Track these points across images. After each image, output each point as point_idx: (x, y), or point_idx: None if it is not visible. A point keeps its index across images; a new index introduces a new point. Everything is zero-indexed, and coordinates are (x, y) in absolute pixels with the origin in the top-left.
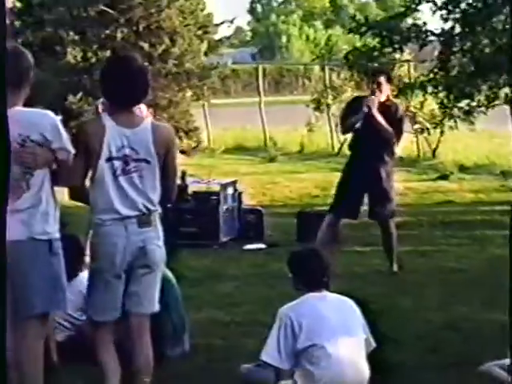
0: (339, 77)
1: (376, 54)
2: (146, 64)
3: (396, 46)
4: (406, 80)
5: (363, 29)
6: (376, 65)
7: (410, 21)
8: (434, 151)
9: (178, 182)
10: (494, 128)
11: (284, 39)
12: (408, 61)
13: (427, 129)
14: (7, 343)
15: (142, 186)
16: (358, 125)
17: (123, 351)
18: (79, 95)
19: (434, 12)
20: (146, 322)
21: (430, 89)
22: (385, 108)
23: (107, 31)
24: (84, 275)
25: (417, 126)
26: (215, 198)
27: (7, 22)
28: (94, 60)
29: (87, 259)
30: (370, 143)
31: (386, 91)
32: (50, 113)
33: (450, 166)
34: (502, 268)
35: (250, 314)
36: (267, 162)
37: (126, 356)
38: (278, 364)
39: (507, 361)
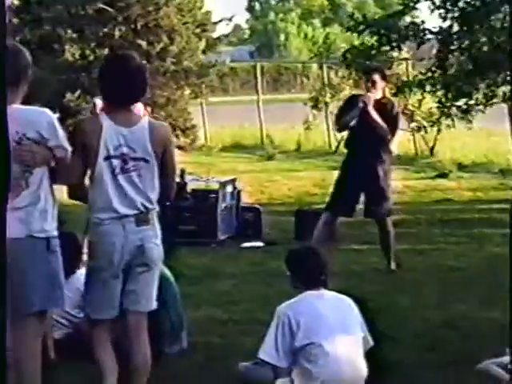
0: (337, 75)
1: (374, 52)
2: (144, 62)
3: (394, 44)
4: (404, 78)
5: (361, 27)
6: (369, 63)
7: (407, 19)
8: (431, 149)
9: (177, 179)
10: (492, 126)
11: (282, 37)
12: (406, 59)
13: (424, 127)
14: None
15: (141, 184)
16: (353, 122)
17: (121, 349)
18: (77, 93)
19: (433, 11)
20: (143, 320)
21: (428, 87)
22: (380, 105)
23: (105, 29)
24: (81, 272)
25: (414, 124)
26: (214, 196)
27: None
28: (92, 58)
29: (85, 257)
30: (365, 140)
31: (380, 89)
32: (47, 110)
33: (448, 164)
34: (501, 266)
35: (248, 312)
36: (265, 160)
37: (123, 354)
38: (275, 362)
39: (505, 359)
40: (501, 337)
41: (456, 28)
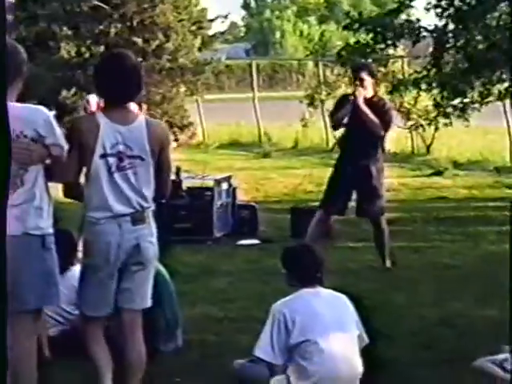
0: (333, 72)
1: (369, 50)
2: (140, 60)
3: (389, 42)
4: (400, 76)
5: (356, 25)
6: (357, 61)
7: (403, 17)
8: (428, 147)
9: (173, 177)
10: (489, 124)
11: (278, 35)
12: (402, 57)
13: (421, 125)
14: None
15: (136, 182)
16: (346, 119)
17: (115, 346)
18: (73, 90)
19: (428, 10)
20: (138, 318)
21: (423, 86)
22: (372, 103)
23: (101, 26)
24: (76, 269)
25: (411, 123)
26: (209, 193)
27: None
28: (87, 55)
29: (80, 255)
30: (358, 138)
31: (370, 86)
32: (43, 108)
33: (443, 162)
34: (496, 264)
35: (244, 310)
36: (261, 158)
37: (118, 352)
38: (271, 359)
39: (500, 356)
40: (496, 334)
41: (451, 26)
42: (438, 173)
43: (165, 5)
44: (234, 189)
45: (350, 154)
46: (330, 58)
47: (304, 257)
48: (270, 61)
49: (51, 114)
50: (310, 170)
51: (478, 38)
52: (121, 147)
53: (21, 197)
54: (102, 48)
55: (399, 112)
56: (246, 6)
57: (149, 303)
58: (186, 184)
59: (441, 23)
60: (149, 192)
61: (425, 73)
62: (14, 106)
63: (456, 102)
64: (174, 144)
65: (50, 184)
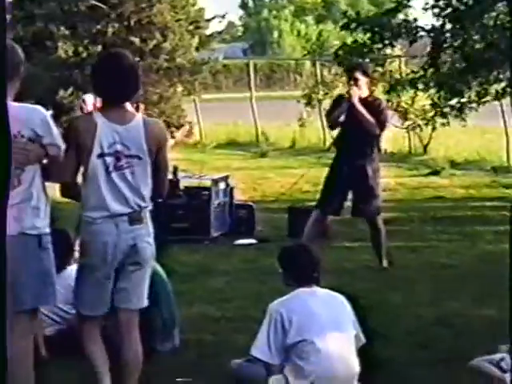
0: (330, 72)
1: (366, 49)
2: (137, 59)
3: (386, 41)
4: (397, 75)
5: (354, 24)
6: (353, 60)
7: (400, 16)
8: (425, 147)
9: (170, 177)
10: (486, 124)
11: (275, 34)
12: (399, 56)
13: (419, 125)
14: None
15: (134, 182)
16: (342, 117)
17: (112, 346)
18: (70, 90)
19: (426, 10)
20: (134, 317)
21: (420, 86)
22: (367, 103)
23: (98, 26)
24: (72, 268)
25: (408, 123)
26: (207, 193)
27: None
28: (85, 55)
29: (76, 254)
30: (354, 137)
31: (364, 86)
32: (41, 108)
33: (441, 161)
34: (493, 264)
35: (241, 310)
36: (259, 158)
37: (115, 351)
38: (267, 359)
39: (497, 356)
40: (493, 334)
41: (449, 26)
42: (435, 172)
43: (162, 4)
44: (232, 188)
45: (346, 153)
46: (327, 58)
47: (301, 256)
48: (267, 60)
49: (48, 113)
50: (306, 169)
51: (476, 37)
52: (118, 147)
53: (18, 196)
54: (99, 48)
55: (396, 112)
56: (243, 6)
57: (145, 303)
58: (183, 183)
59: (438, 23)
60: (147, 191)
61: (422, 73)
62: (11, 106)
63: (453, 101)
64: (171, 141)
65: (47, 184)
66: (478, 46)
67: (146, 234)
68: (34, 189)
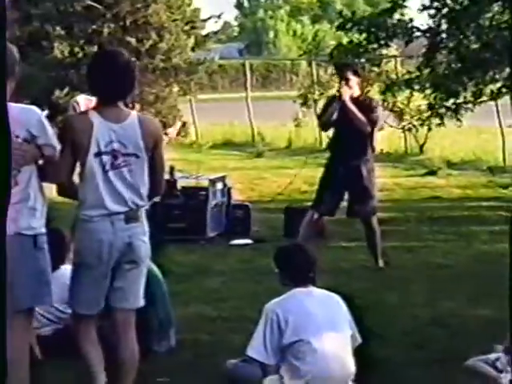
0: (326, 72)
1: (361, 50)
2: (133, 59)
3: (382, 42)
4: (393, 75)
5: (349, 24)
6: (347, 61)
7: (396, 17)
8: (421, 147)
9: (167, 176)
10: (482, 124)
11: (271, 34)
12: (395, 56)
13: (414, 126)
14: None
15: (132, 180)
16: (334, 115)
17: (109, 346)
18: (66, 90)
19: (422, 10)
20: (131, 317)
21: (416, 86)
22: (359, 102)
23: (94, 26)
24: (66, 267)
25: (404, 123)
26: (204, 193)
27: None
28: (80, 55)
29: (71, 254)
30: (347, 136)
31: (355, 85)
32: (35, 108)
33: (437, 161)
34: (489, 264)
35: (237, 310)
36: (254, 158)
37: (111, 351)
38: (263, 359)
39: (493, 356)
40: (489, 334)
41: (444, 26)
42: (432, 172)
43: (158, 5)
44: (229, 189)
45: (341, 154)
46: (323, 58)
47: (297, 256)
48: (263, 60)
49: (44, 113)
50: (299, 169)
51: (471, 38)
52: (115, 145)
53: (14, 197)
54: (95, 48)
55: (392, 112)
56: (239, 6)
57: (141, 303)
58: (180, 184)
59: (434, 23)
60: (144, 189)
61: (417, 73)
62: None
63: (449, 102)
64: (165, 138)
65: (44, 184)
66: (473, 46)
67: (141, 233)
68: (31, 189)
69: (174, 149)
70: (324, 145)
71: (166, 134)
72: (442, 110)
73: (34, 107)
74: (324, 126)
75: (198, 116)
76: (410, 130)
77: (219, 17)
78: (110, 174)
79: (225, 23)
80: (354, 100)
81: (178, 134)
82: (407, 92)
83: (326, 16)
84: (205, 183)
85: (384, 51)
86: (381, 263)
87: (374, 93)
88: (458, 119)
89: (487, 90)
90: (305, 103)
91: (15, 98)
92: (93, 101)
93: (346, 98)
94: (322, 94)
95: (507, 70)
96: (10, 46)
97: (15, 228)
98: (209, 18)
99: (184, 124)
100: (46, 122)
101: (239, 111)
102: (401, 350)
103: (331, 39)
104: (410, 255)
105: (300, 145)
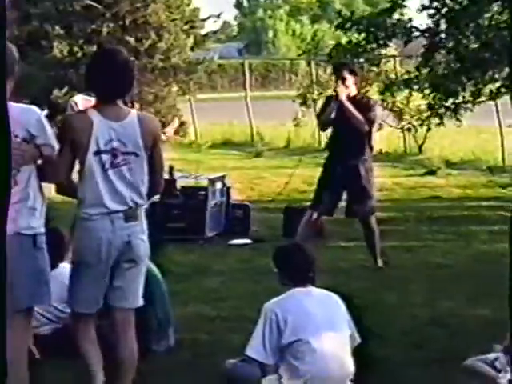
0: (325, 72)
1: (360, 50)
2: (133, 59)
3: (381, 41)
4: (392, 75)
5: (348, 24)
6: (345, 60)
7: (395, 16)
8: (420, 147)
9: (166, 176)
10: (481, 123)
11: (270, 34)
12: (394, 56)
13: (414, 126)
14: None
15: (131, 178)
16: (333, 114)
17: (108, 346)
18: (65, 89)
19: (421, 10)
20: (130, 316)
21: (415, 86)
22: (356, 101)
23: (93, 26)
24: (64, 266)
25: (404, 123)
26: (203, 193)
27: None
28: (80, 54)
29: (70, 253)
30: (345, 136)
31: (352, 85)
32: (35, 108)
33: (436, 161)
34: (488, 264)
35: (236, 309)
36: (253, 157)
37: (110, 350)
38: (262, 359)
39: (491, 355)
40: (488, 334)
41: (444, 26)
42: (431, 172)
43: (157, 4)
44: (228, 188)
45: (339, 153)
46: (322, 58)
47: (296, 256)
48: (262, 60)
49: (43, 113)
50: (301, 169)
51: (470, 38)
52: (115, 144)
53: (14, 197)
54: (94, 47)
55: (391, 112)
56: (238, 6)
57: (141, 302)
58: (179, 183)
59: (433, 23)
60: (144, 188)
61: (416, 73)
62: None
63: (448, 102)
64: (162, 137)
65: (43, 184)
66: (472, 46)
67: (140, 231)
68: (31, 189)
69: (173, 148)
70: (323, 144)
71: (163, 133)
72: (442, 110)
73: (33, 107)
74: (322, 126)
75: (197, 116)
76: (409, 130)
77: (218, 16)
78: (110, 172)
79: (224, 23)
80: (352, 99)
81: (177, 132)
82: (406, 92)
83: (326, 16)
84: (204, 183)
85: (383, 51)
86: (380, 263)
87: (373, 92)
88: (458, 119)
89: (486, 90)
90: (304, 103)
91: (14, 98)
92: (91, 101)
93: (343, 97)
94: (321, 93)
95: (506, 69)
96: (10, 45)
97: (15, 228)
98: (208, 18)
99: (182, 124)
100: (46, 122)
101: (238, 111)
102: (400, 350)
103: (330, 39)
104: (409, 255)
105: (299, 144)
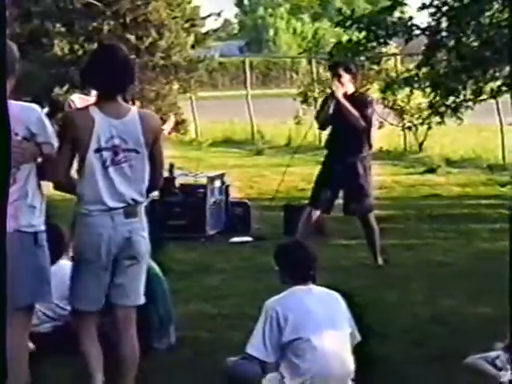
0: (326, 70)
1: (361, 48)
2: (133, 57)
3: (381, 40)
4: (393, 74)
5: (349, 22)
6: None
7: (396, 14)
8: (420, 145)
9: (166, 174)
10: (482, 122)
11: (271, 32)
12: (394, 54)
13: (415, 125)
14: None
15: (132, 175)
16: (330, 110)
17: (109, 344)
18: (66, 87)
19: (422, 8)
20: (132, 314)
21: (416, 85)
22: (353, 99)
23: (94, 23)
24: (64, 262)
25: (405, 121)
26: (202, 190)
27: None
28: (80, 52)
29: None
30: (343, 134)
31: (348, 82)
32: (36, 106)
33: (436, 159)
34: (489, 262)
35: (237, 307)
36: (254, 155)
37: (111, 348)
38: (263, 357)
39: (492, 354)
40: (488, 332)
41: (445, 24)
42: (432, 170)
43: (158, 2)
44: (227, 186)
45: (337, 151)
46: (323, 56)
47: (297, 254)
48: (263, 58)
49: (44, 111)
50: (301, 167)
51: (471, 36)
52: (116, 141)
53: (13, 195)
54: (95, 45)
55: (392, 110)
56: (239, 4)
57: (142, 300)
58: (179, 181)
59: (434, 21)
60: (144, 186)
61: (417, 71)
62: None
63: (449, 101)
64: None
65: (42, 181)
66: (473, 44)
67: (140, 228)
68: (30, 187)
69: (173, 146)
70: (323, 143)
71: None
72: (442, 109)
73: (34, 105)
74: (321, 125)
75: (198, 113)
76: (410, 128)
77: (219, 14)
78: (110, 169)
79: (225, 21)
80: (349, 97)
81: (176, 130)
82: (407, 90)
83: (326, 14)
84: (203, 181)
85: (384, 49)
86: (380, 261)
87: (374, 91)
88: (459, 117)
89: (487, 88)
90: (305, 101)
91: (15, 96)
92: (88, 100)
93: (339, 94)
94: (321, 91)
95: (507, 68)
96: (10, 43)
97: (15, 225)
98: (209, 16)
99: (182, 121)
100: (46, 120)
101: (239, 109)
102: (400, 348)
103: (331, 37)
104: (409, 253)
105: (300, 142)
